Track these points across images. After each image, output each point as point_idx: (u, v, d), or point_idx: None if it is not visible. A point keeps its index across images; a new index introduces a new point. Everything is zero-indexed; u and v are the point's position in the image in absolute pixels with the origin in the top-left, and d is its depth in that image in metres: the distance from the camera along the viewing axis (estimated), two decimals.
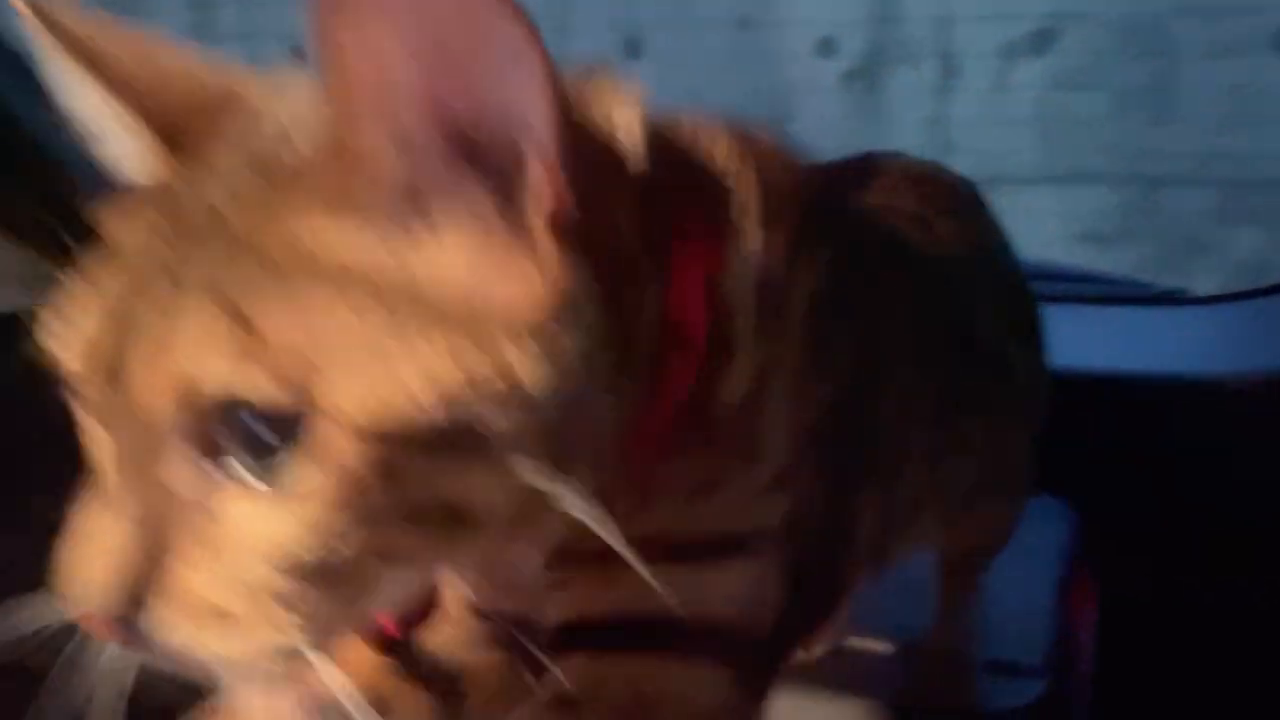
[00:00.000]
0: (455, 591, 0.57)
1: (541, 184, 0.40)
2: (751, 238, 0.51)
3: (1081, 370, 1.20)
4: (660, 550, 0.47)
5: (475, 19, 0.37)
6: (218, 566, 0.40)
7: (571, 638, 0.51)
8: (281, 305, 0.39)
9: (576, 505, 0.42)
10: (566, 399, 0.42)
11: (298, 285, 0.39)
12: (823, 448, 0.53)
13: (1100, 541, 1.07)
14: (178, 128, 0.45)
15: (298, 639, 0.41)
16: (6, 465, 0.78)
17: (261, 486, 0.39)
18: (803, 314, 0.52)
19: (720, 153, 0.52)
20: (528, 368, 0.40)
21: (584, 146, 0.43)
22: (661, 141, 0.49)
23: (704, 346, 0.49)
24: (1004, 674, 0.87)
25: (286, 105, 0.44)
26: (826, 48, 2.85)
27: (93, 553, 0.40)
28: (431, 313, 0.39)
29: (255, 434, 0.39)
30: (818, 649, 0.89)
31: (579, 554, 0.48)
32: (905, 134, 2.57)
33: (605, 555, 0.45)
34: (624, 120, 0.47)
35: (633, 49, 2.78)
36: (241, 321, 0.38)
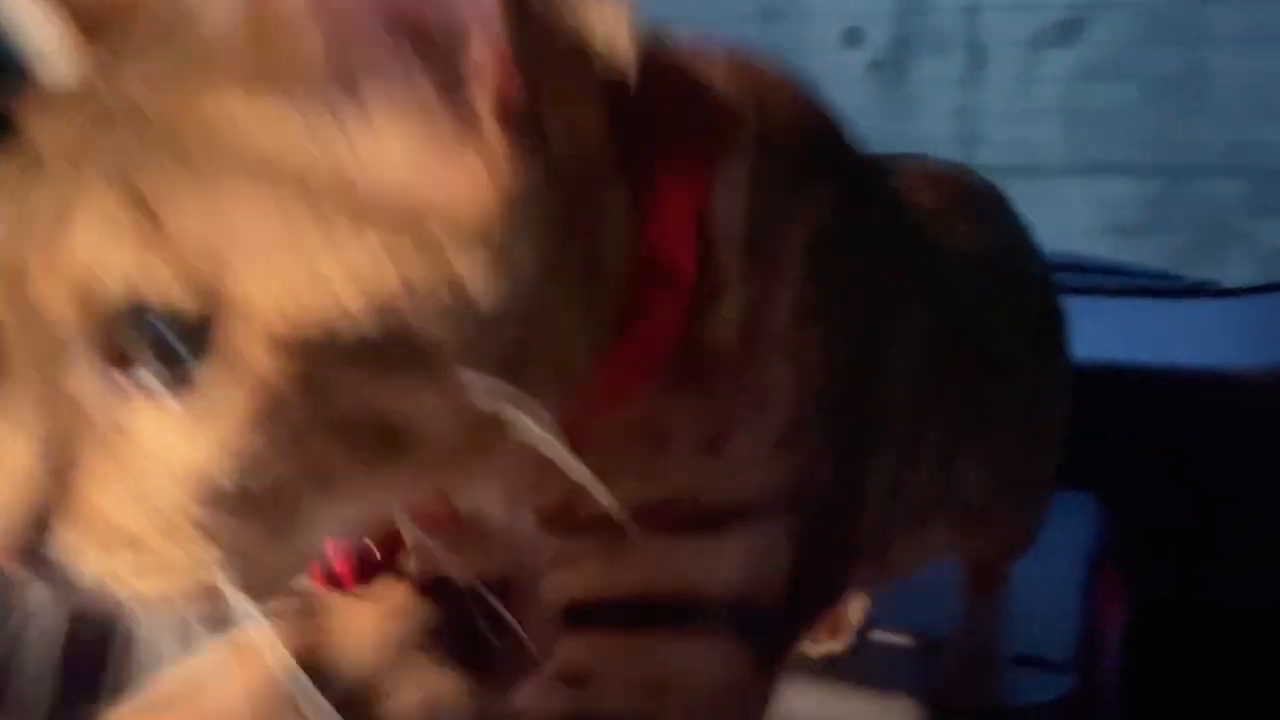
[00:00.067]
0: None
1: (486, 62, 0.36)
2: (746, 167, 0.48)
3: (1109, 363, 1.19)
4: (669, 520, 0.46)
5: None
6: (129, 488, 0.36)
7: (580, 616, 0.49)
8: (193, 197, 0.35)
9: (532, 431, 0.39)
10: (520, 314, 0.38)
11: (212, 175, 0.35)
12: (831, 405, 0.51)
13: (1127, 535, 1.06)
14: (98, 16, 0.41)
15: (219, 575, 0.37)
16: None
17: (173, 401, 0.36)
18: (802, 252, 0.49)
19: (719, 79, 0.49)
20: (472, 276, 0.37)
21: (543, 34, 0.40)
22: (656, 62, 0.45)
23: (692, 283, 0.45)
24: (1031, 669, 0.87)
25: None
26: (852, 38, 2.84)
27: None
28: (363, 210, 0.36)
29: (166, 342, 0.35)
30: (840, 643, 0.89)
31: (581, 525, 0.47)
32: (932, 125, 2.56)
33: (613, 531, 0.44)
34: (605, 26, 0.43)
35: None
36: (146, 213, 0.35)
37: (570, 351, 0.42)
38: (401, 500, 0.44)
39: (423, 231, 0.36)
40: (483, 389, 0.38)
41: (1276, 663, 1.17)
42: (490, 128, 0.37)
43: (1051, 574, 0.95)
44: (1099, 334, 0.96)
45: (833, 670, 0.86)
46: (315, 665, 0.52)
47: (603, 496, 0.40)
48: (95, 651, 0.40)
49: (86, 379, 0.36)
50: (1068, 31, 2.56)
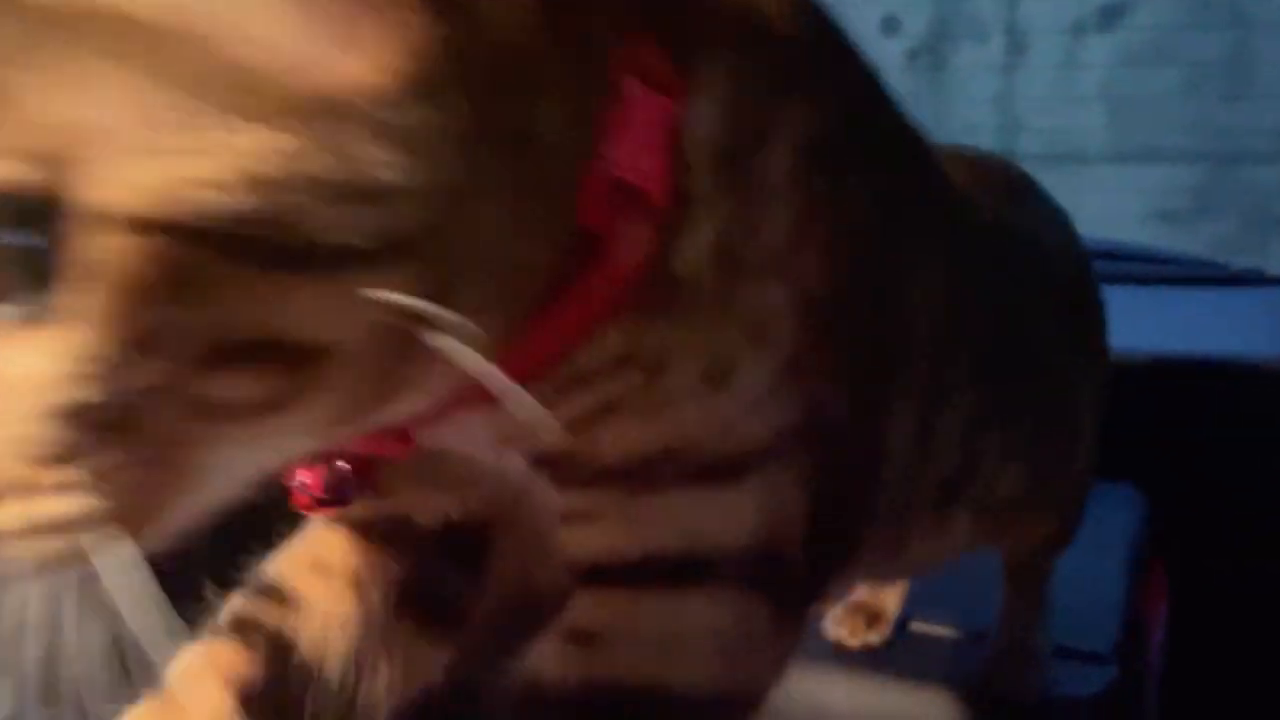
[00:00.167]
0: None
1: None
2: (725, 68, 0.43)
3: (1154, 353, 1.18)
4: (679, 472, 0.45)
5: None
6: None
7: (592, 575, 0.48)
8: (43, 65, 0.30)
9: (462, 355, 0.35)
10: (445, 224, 0.34)
11: (66, 41, 0.31)
12: (840, 333, 0.48)
13: (1170, 526, 1.05)
14: None
15: (90, 510, 0.32)
16: None
17: (15, 309, 0.31)
18: (790, 164, 0.45)
19: None
20: (377, 164, 0.32)
21: None
22: None
23: (663, 203, 0.41)
24: (1074, 661, 0.86)
25: None
26: (890, 26, 2.82)
27: None
28: (244, 79, 0.31)
29: (16, 255, 0.31)
30: (878, 635, 0.89)
31: (588, 479, 0.45)
32: (971, 112, 2.54)
33: (622, 485, 0.43)
34: None
35: None
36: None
37: (514, 273, 0.38)
38: (325, 443, 0.39)
39: (312, 102, 0.31)
40: (401, 303, 0.33)
41: None
42: None
43: (1093, 566, 0.94)
44: (1142, 323, 0.95)
45: (871, 662, 0.86)
46: (297, 667, 0.52)
47: (549, 429, 0.38)
48: None
49: None
50: (1109, 16, 2.53)
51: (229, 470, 0.35)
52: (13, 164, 0.30)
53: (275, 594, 0.53)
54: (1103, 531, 0.95)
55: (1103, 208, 1.65)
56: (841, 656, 0.86)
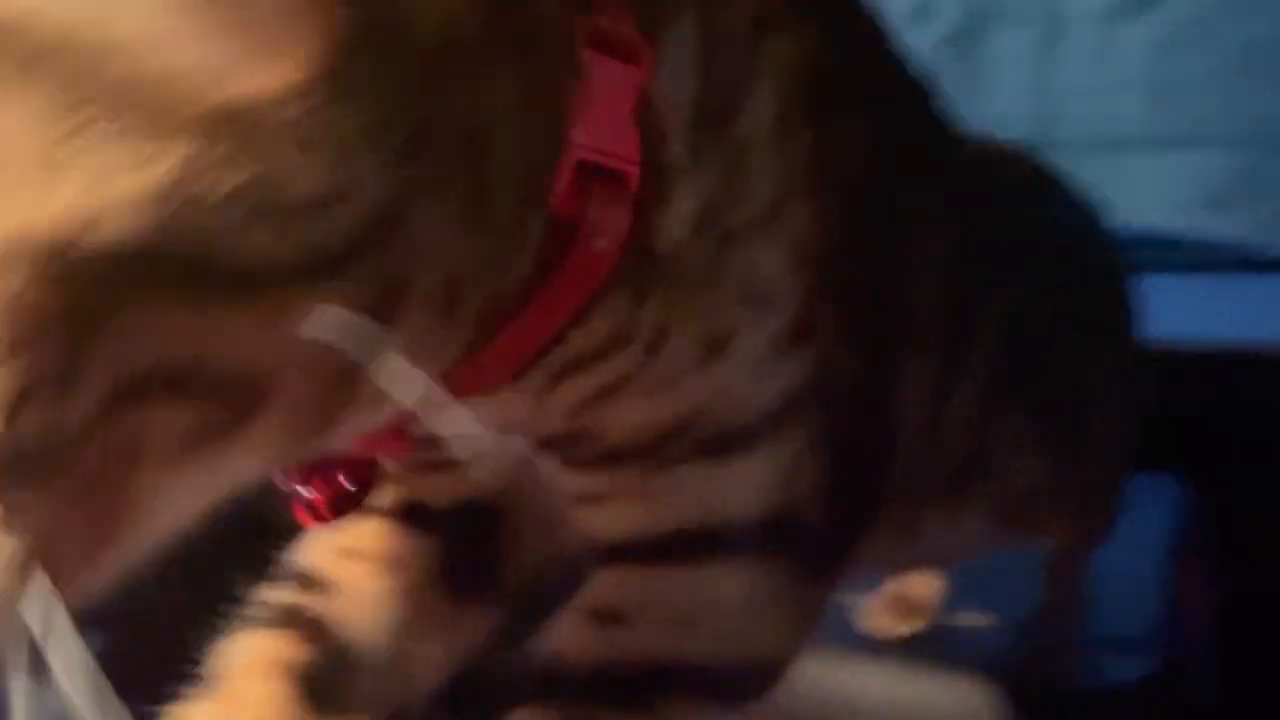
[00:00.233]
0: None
1: None
2: (693, 17, 0.41)
3: (1195, 340, 1.16)
4: (691, 447, 0.44)
5: None
6: None
7: (611, 554, 0.48)
8: None
9: (394, 381, 0.32)
10: (376, 214, 0.31)
11: None
12: (844, 290, 0.46)
13: (1219, 517, 1.04)
14: None
15: (13, 553, 0.29)
16: None
17: None
18: (775, 112, 0.43)
19: None
20: (298, 164, 0.29)
21: None
22: None
23: (638, 180, 0.39)
24: (1114, 650, 0.85)
25: None
26: (922, 12, 2.80)
27: None
28: (150, 91, 0.28)
29: None
30: (916, 625, 0.89)
31: (600, 460, 0.45)
32: (1006, 100, 2.51)
33: (635, 464, 0.43)
34: None
35: None
36: None
37: (480, 272, 0.36)
38: (275, 469, 0.36)
39: (229, 120, 0.29)
40: (328, 314, 0.30)
41: None
42: None
43: (1135, 555, 0.93)
44: (1184, 311, 0.93)
45: (909, 653, 0.85)
46: (342, 650, 0.52)
47: (486, 454, 0.37)
48: None
49: None
50: (1145, 1, 2.49)
51: (172, 505, 0.32)
52: None
53: (309, 582, 0.53)
54: (1145, 521, 0.94)
55: (1144, 195, 1.63)
56: (879, 647, 0.86)
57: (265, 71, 0.29)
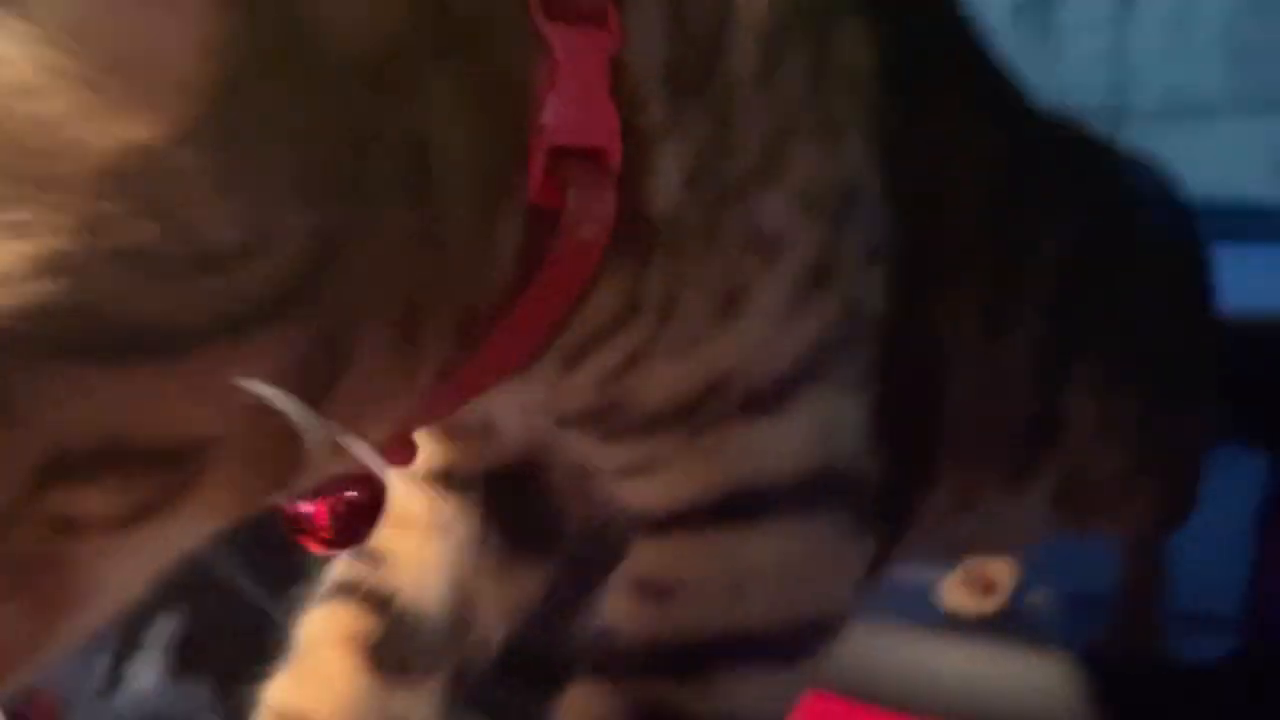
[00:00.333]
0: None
1: None
2: None
3: (1275, 311, 1.14)
4: (726, 409, 0.43)
5: None
6: None
7: (657, 525, 0.47)
8: None
9: (320, 449, 0.29)
10: (308, 252, 0.28)
11: None
12: (856, 222, 0.44)
13: None
14: None
15: None
16: None
17: None
18: (759, 52, 0.40)
19: None
20: (208, 210, 0.26)
21: None
22: None
23: (618, 155, 0.37)
24: (1196, 626, 0.84)
25: None
26: None
27: None
28: (25, 146, 0.24)
29: None
30: (992, 603, 0.88)
31: (636, 426, 0.44)
32: (1082, 69, 2.47)
33: (672, 426, 0.42)
34: None
35: None
36: None
37: (436, 302, 0.33)
38: (222, 525, 0.32)
39: (120, 170, 0.25)
40: (272, 381, 0.28)
41: None
42: None
43: (1217, 530, 0.92)
44: (1263, 281, 0.91)
45: (987, 630, 0.85)
46: (400, 617, 0.52)
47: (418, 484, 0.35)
48: None
49: None
50: None
51: (120, 579, 0.30)
52: None
53: (364, 554, 0.54)
54: (1228, 496, 0.93)
55: (1225, 162, 1.59)
56: (957, 625, 0.86)
57: (151, 113, 0.26)
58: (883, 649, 0.82)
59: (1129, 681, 0.81)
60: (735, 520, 0.45)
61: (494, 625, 0.54)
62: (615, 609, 0.47)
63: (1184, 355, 0.76)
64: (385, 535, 0.54)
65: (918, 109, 0.48)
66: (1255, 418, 0.85)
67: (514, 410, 0.46)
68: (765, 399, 0.44)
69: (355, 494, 0.41)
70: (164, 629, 0.90)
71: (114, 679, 0.90)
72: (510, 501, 0.54)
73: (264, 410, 0.28)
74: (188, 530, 0.30)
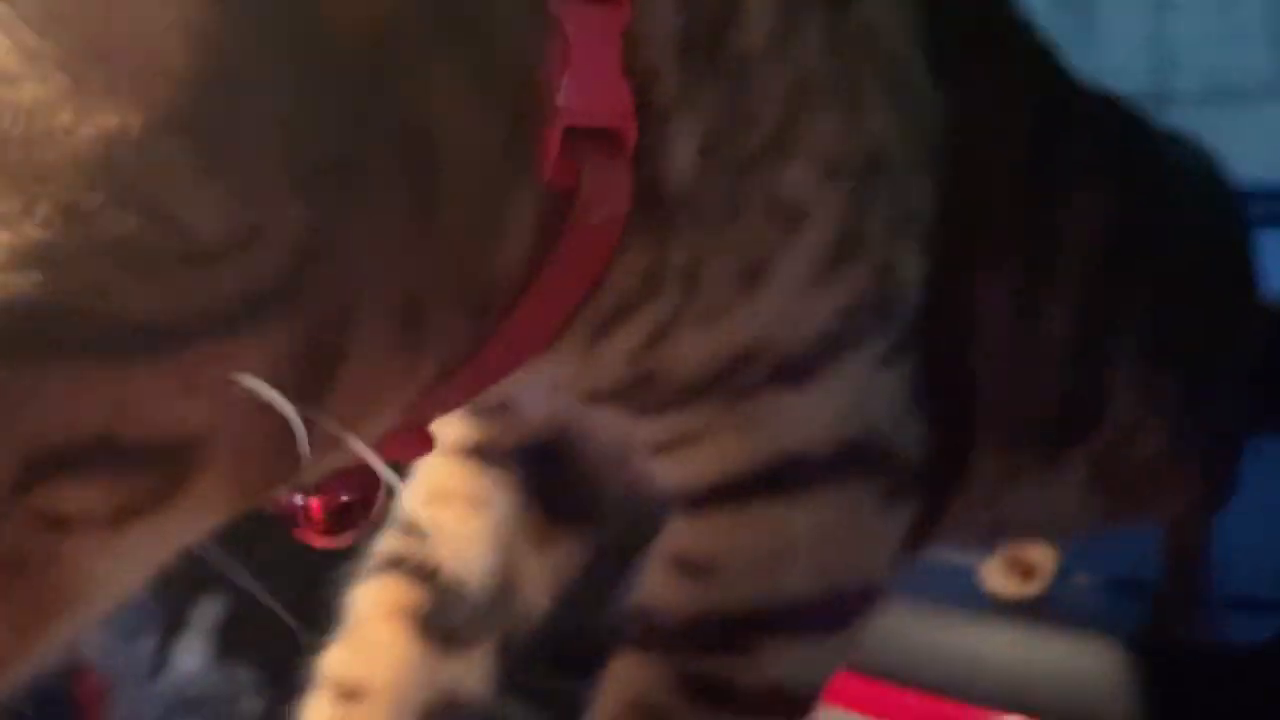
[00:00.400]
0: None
1: None
2: None
3: None
4: (756, 380, 0.43)
5: None
6: None
7: (693, 501, 0.47)
8: None
9: (302, 443, 0.28)
10: (303, 244, 0.27)
11: None
12: (883, 189, 0.44)
13: None
14: None
15: None
16: None
17: None
18: (772, 20, 0.40)
19: None
20: (194, 201, 0.25)
21: None
22: None
23: (635, 131, 0.36)
24: (1241, 609, 0.84)
25: None
26: None
27: None
28: (5, 138, 0.24)
29: None
30: (1035, 586, 0.88)
31: (669, 399, 0.44)
32: (1124, 54, 2.44)
33: (705, 396, 0.42)
34: None
35: None
36: None
37: (440, 291, 0.33)
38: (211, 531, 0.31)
39: (102, 159, 0.25)
40: (267, 376, 0.27)
41: None
42: None
43: (1261, 514, 0.91)
44: None
45: (1031, 613, 0.85)
46: (444, 589, 0.53)
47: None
48: None
49: None
50: None
51: (113, 578, 0.29)
52: None
53: (410, 528, 0.55)
54: (1271, 479, 0.92)
55: (1268, 146, 1.57)
56: (1000, 607, 0.86)
57: (133, 100, 0.25)
58: (924, 631, 0.82)
59: (1172, 665, 0.81)
60: (773, 492, 0.45)
61: (537, 594, 0.55)
62: (654, 588, 0.47)
63: (1226, 338, 0.76)
64: (428, 509, 0.55)
65: (951, 78, 0.48)
66: None
67: (542, 390, 0.46)
68: (797, 368, 0.44)
69: (350, 488, 0.40)
70: (208, 612, 0.92)
71: (159, 661, 0.92)
72: (547, 471, 0.54)
73: (257, 405, 0.27)
74: (182, 527, 0.29)
